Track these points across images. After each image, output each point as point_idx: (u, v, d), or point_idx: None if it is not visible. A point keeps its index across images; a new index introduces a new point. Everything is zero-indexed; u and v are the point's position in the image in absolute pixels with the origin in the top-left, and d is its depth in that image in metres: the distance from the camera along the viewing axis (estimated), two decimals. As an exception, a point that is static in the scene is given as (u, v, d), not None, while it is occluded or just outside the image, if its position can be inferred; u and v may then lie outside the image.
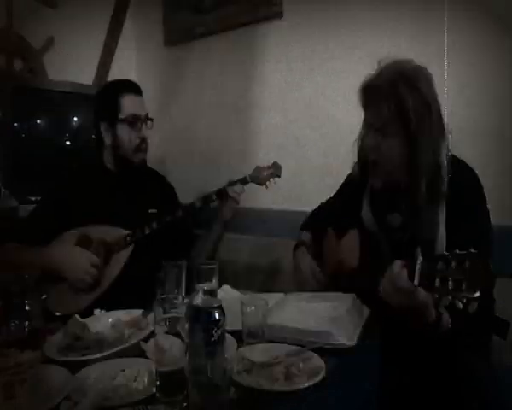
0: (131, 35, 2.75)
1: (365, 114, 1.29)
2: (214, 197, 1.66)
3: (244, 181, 1.68)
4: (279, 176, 1.70)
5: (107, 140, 1.67)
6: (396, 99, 1.17)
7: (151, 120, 1.70)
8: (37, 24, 2.29)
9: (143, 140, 1.67)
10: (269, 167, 1.69)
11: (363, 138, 1.31)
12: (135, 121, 1.64)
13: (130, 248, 1.58)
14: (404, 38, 1.74)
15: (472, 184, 1.23)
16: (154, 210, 1.66)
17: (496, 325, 1.19)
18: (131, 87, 1.68)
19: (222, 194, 1.66)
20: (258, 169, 1.69)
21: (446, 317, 1.05)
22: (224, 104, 2.36)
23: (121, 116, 1.63)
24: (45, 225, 1.59)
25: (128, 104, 1.64)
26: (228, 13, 2.29)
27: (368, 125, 1.27)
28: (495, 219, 1.22)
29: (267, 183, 1.68)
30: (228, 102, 2.35)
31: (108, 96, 1.68)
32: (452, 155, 1.25)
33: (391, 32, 1.78)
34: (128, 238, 1.58)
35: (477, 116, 1.62)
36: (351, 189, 1.44)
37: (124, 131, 1.64)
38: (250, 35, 2.22)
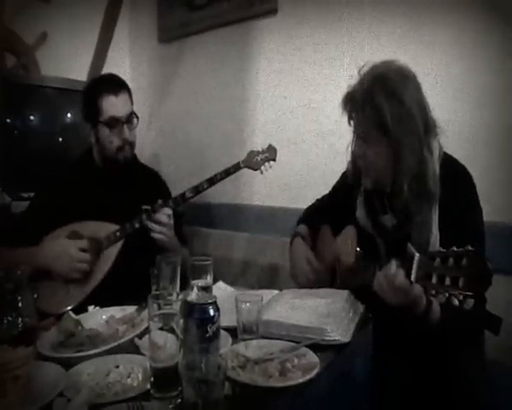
0: (125, 31, 2.74)
1: (351, 123, 1.29)
2: (205, 186, 1.60)
3: (237, 167, 1.60)
4: (274, 160, 1.63)
5: (92, 139, 1.67)
6: (372, 109, 1.17)
7: (137, 117, 1.67)
8: (30, 19, 2.27)
9: (125, 141, 1.64)
10: (263, 151, 1.62)
11: (352, 146, 1.32)
12: (114, 124, 1.61)
13: (121, 243, 1.57)
14: (398, 38, 1.74)
15: (464, 182, 1.23)
16: (147, 207, 1.64)
17: (488, 320, 1.19)
18: (112, 86, 1.63)
19: (213, 181, 1.60)
20: (251, 153, 1.62)
21: (436, 306, 1.05)
22: (219, 100, 2.35)
23: (100, 119, 1.61)
24: (38, 222, 1.59)
25: (107, 106, 1.60)
26: (222, 9, 2.29)
27: (353, 132, 1.29)
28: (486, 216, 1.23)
29: (262, 168, 1.61)
30: (222, 98, 2.34)
31: (89, 96, 1.65)
32: (445, 153, 1.25)
33: (386, 31, 1.78)
34: (118, 233, 1.57)
35: (473, 115, 1.62)
36: (345, 188, 1.44)
37: (104, 134, 1.62)
38: (244, 31, 2.22)
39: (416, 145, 1.18)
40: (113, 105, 1.61)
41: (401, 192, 1.20)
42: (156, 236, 1.54)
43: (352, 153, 1.32)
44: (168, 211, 1.55)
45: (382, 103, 1.15)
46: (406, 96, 1.16)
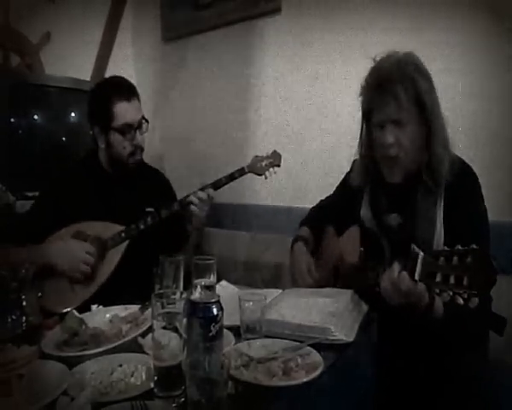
0: (129, 30, 2.74)
1: (376, 112, 1.23)
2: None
3: (242, 172, 1.63)
4: (279, 165, 1.65)
5: (101, 144, 1.65)
6: (410, 81, 1.15)
7: (147, 121, 1.67)
8: (35, 19, 2.28)
9: (137, 147, 1.64)
10: (268, 157, 1.65)
11: (377, 138, 1.25)
12: (127, 130, 1.61)
13: (126, 243, 1.57)
14: (402, 36, 1.73)
15: (469, 181, 1.22)
16: (151, 209, 1.64)
17: (493, 321, 1.19)
18: (125, 92, 1.62)
19: (218, 185, 1.63)
20: (256, 159, 1.65)
21: (439, 303, 1.05)
22: (223, 100, 2.35)
23: (113, 125, 1.60)
24: (42, 222, 1.59)
25: (121, 113, 1.59)
26: (226, 8, 2.28)
27: (381, 122, 1.22)
28: (490, 215, 1.23)
29: (266, 173, 1.64)
30: (226, 97, 2.34)
31: (100, 101, 1.63)
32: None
33: (389, 29, 1.77)
34: (123, 234, 1.57)
35: (477, 114, 1.61)
36: (349, 188, 1.43)
37: (116, 139, 1.61)
38: (248, 30, 2.21)
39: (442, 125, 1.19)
40: (127, 111, 1.61)
41: (441, 163, 1.18)
42: (197, 212, 1.59)
43: (376, 145, 1.25)
44: (211, 191, 1.60)
45: (417, 76, 1.14)
46: (429, 74, 1.17)
